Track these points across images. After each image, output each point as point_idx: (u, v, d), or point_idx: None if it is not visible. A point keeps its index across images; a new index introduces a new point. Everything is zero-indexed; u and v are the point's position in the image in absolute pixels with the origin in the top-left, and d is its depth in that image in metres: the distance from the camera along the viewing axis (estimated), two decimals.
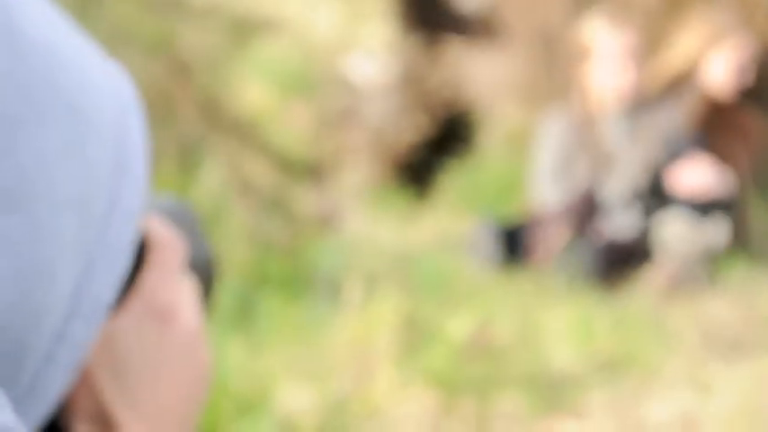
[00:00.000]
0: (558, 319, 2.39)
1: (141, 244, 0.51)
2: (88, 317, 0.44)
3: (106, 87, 0.46)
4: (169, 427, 0.52)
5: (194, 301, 0.54)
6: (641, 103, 3.69)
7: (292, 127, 7.07)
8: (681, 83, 3.81)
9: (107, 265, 0.45)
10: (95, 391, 0.49)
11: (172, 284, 0.52)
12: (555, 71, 4.37)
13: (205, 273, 0.61)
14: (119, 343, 0.50)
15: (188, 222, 0.59)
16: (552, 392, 2.02)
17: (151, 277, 0.51)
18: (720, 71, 3.71)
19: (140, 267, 0.51)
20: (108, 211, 0.45)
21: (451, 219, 4.65)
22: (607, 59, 3.60)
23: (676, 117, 3.74)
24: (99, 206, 0.44)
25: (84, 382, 0.48)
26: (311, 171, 6.01)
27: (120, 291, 0.48)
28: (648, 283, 3.26)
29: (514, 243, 3.48)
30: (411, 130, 5.55)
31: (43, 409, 0.44)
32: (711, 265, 3.38)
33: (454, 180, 4.94)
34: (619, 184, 3.61)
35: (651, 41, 3.99)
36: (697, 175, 3.43)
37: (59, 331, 0.43)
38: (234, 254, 2.85)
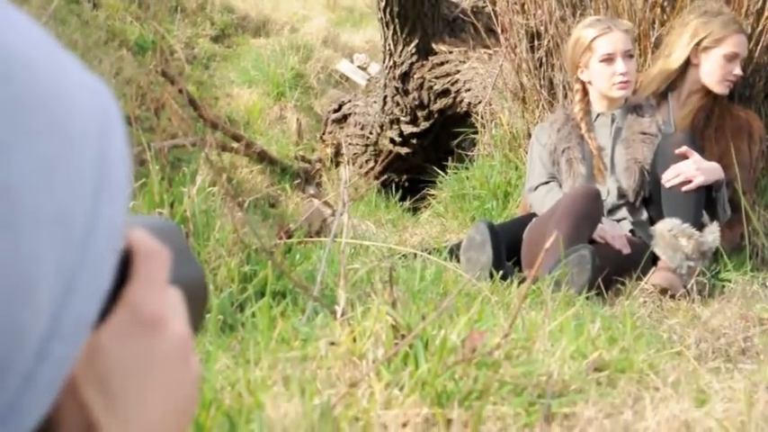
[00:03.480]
0: (552, 325, 2.36)
1: (126, 255, 0.50)
2: (70, 336, 0.43)
3: (86, 102, 0.45)
4: None
5: (181, 312, 0.53)
6: (634, 104, 3.67)
7: (284, 130, 7.07)
8: (672, 83, 3.78)
9: (89, 282, 0.44)
10: (82, 404, 0.48)
11: (158, 295, 0.51)
12: (548, 73, 4.35)
13: (194, 292, 0.60)
14: (105, 356, 0.48)
15: (176, 242, 0.58)
16: (545, 401, 1.99)
17: (137, 288, 0.50)
18: (714, 68, 3.68)
19: (126, 279, 0.50)
20: (90, 226, 0.44)
21: (445, 223, 4.63)
22: (602, 60, 3.59)
23: (669, 117, 3.72)
24: (80, 222, 0.43)
25: (71, 395, 0.47)
26: (303, 175, 6.01)
27: (105, 302, 0.47)
28: (644, 289, 3.24)
29: (509, 247, 3.46)
30: (404, 134, 5.54)
31: (25, 427, 0.42)
32: (709, 269, 3.35)
33: (448, 184, 4.92)
34: (611, 188, 3.59)
35: (640, 41, 3.97)
36: (690, 169, 3.40)
37: (40, 351, 0.42)
38: (222, 262, 2.84)
